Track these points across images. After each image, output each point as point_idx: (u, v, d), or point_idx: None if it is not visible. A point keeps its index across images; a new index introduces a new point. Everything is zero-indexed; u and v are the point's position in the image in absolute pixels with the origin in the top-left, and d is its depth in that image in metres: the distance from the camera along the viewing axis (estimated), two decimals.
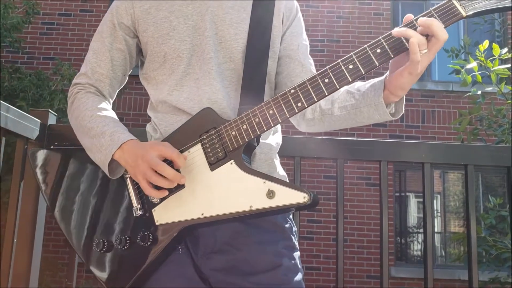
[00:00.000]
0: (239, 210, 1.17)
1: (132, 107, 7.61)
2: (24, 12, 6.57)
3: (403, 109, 1.29)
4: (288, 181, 1.39)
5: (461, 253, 7.08)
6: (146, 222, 1.27)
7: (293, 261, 1.31)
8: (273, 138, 1.40)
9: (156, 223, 1.25)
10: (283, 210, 1.16)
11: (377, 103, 1.24)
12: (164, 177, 1.18)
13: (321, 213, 7.15)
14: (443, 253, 7.73)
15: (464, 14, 1.12)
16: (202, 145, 1.25)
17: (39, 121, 1.90)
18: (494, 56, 3.40)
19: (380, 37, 1.16)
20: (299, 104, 1.19)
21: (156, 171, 1.18)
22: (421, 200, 7.64)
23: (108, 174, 1.30)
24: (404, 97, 1.26)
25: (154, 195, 1.21)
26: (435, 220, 7.72)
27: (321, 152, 1.92)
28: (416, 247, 8.03)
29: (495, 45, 3.32)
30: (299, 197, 1.12)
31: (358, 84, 1.31)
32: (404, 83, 1.18)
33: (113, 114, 1.36)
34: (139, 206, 1.27)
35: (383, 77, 1.25)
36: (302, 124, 1.48)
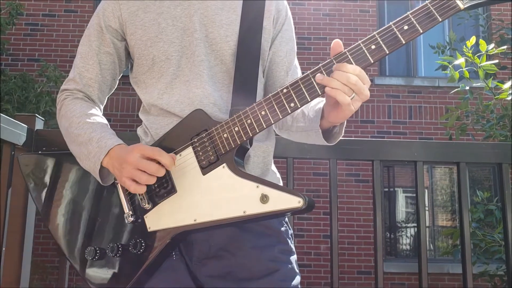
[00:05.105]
0: (232, 215, 1.14)
1: (120, 107, 7.55)
2: (7, 13, 6.47)
3: (343, 132, 1.30)
4: (281, 183, 1.37)
5: (450, 246, 7.14)
6: (138, 229, 1.24)
7: (290, 266, 1.30)
8: (267, 141, 1.37)
9: (148, 230, 1.22)
10: (278, 215, 1.13)
11: (317, 130, 1.26)
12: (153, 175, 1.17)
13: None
14: (432, 247, 7.78)
15: (462, 6, 1.08)
16: (193, 148, 1.22)
17: (26, 126, 1.87)
18: (480, 51, 3.41)
19: (374, 33, 1.12)
20: (292, 105, 1.15)
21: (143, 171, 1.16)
22: (409, 195, 7.74)
23: (100, 181, 1.27)
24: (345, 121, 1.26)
25: (139, 190, 1.18)
26: None
27: (314, 152, 1.91)
28: (405, 242, 8.08)
29: (482, 41, 3.33)
30: (294, 201, 1.09)
31: (314, 102, 1.30)
32: (339, 119, 1.18)
33: (101, 119, 1.33)
34: (130, 212, 1.24)
35: (322, 104, 1.25)
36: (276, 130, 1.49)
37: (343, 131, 1.30)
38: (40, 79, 6.65)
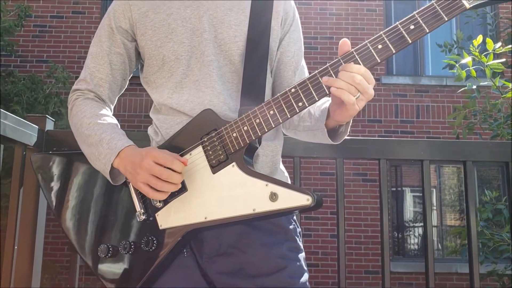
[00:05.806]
0: (242, 213, 1.16)
1: (127, 108, 7.59)
2: (16, 15, 6.53)
3: (348, 130, 1.32)
4: (290, 182, 1.38)
5: (458, 246, 7.11)
6: (150, 227, 1.26)
7: (298, 263, 1.31)
8: (276, 140, 1.39)
9: (160, 228, 1.25)
10: (287, 212, 1.15)
11: (322, 129, 1.28)
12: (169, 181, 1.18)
13: (318, 210, 7.16)
14: (440, 247, 7.76)
15: (467, 6, 1.08)
16: (203, 147, 1.24)
17: (37, 127, 1.89)
18: (487, 50, 3.41)
19: (381, 32, 1.13)
20: (300, 104, 1.17)
21: (158, 177, 1.18)
22: (417, 194, 7.72)
23: (111, 181, 1.29)
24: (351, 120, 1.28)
25: (158, 197, 1.20)
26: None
27: (320, 151, 1.92)
28: (413, 241, 8.06)
29: (488, 40, 3.33)
30: (302, 199, 1.11)
31: (320, 102, 1.31)
32: (344, 118, 1.20)
33: (112, 120, 1.35)
34: (142, 210, 1.26)
35: (328, 104, 1.27)
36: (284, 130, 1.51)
37: (348, 130, 1.32)
38: (49, 80, 6.69)
